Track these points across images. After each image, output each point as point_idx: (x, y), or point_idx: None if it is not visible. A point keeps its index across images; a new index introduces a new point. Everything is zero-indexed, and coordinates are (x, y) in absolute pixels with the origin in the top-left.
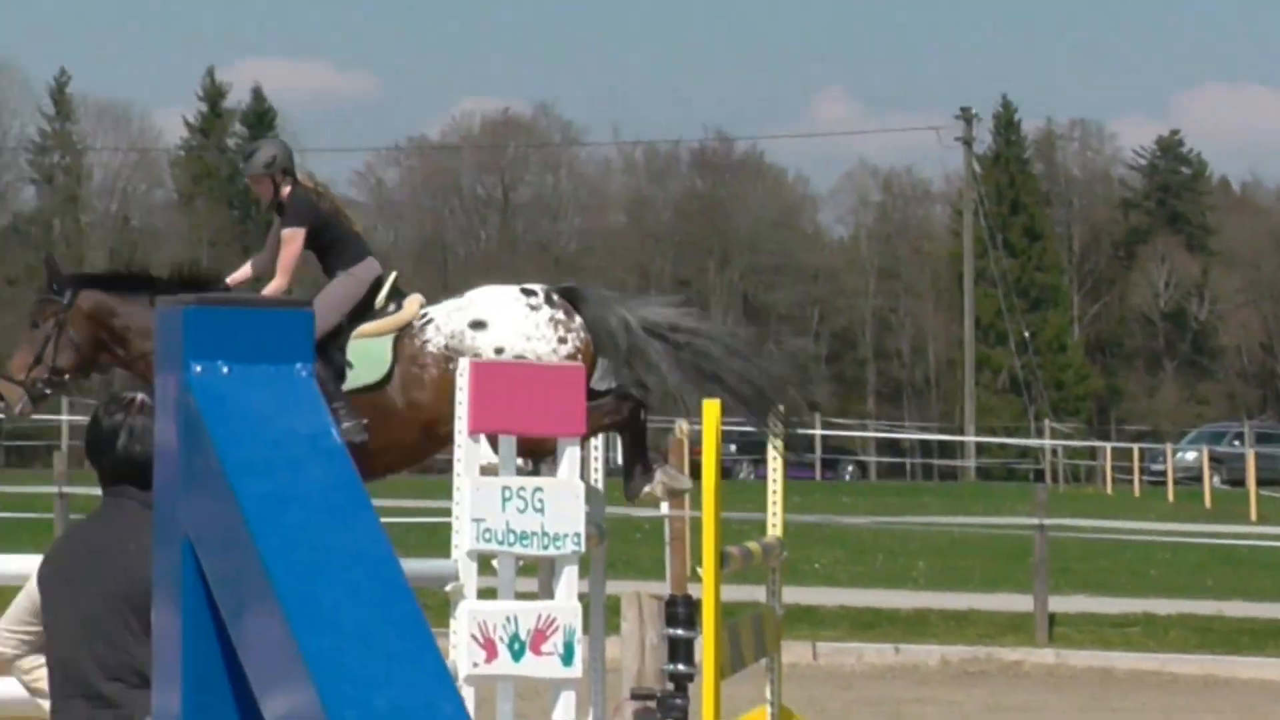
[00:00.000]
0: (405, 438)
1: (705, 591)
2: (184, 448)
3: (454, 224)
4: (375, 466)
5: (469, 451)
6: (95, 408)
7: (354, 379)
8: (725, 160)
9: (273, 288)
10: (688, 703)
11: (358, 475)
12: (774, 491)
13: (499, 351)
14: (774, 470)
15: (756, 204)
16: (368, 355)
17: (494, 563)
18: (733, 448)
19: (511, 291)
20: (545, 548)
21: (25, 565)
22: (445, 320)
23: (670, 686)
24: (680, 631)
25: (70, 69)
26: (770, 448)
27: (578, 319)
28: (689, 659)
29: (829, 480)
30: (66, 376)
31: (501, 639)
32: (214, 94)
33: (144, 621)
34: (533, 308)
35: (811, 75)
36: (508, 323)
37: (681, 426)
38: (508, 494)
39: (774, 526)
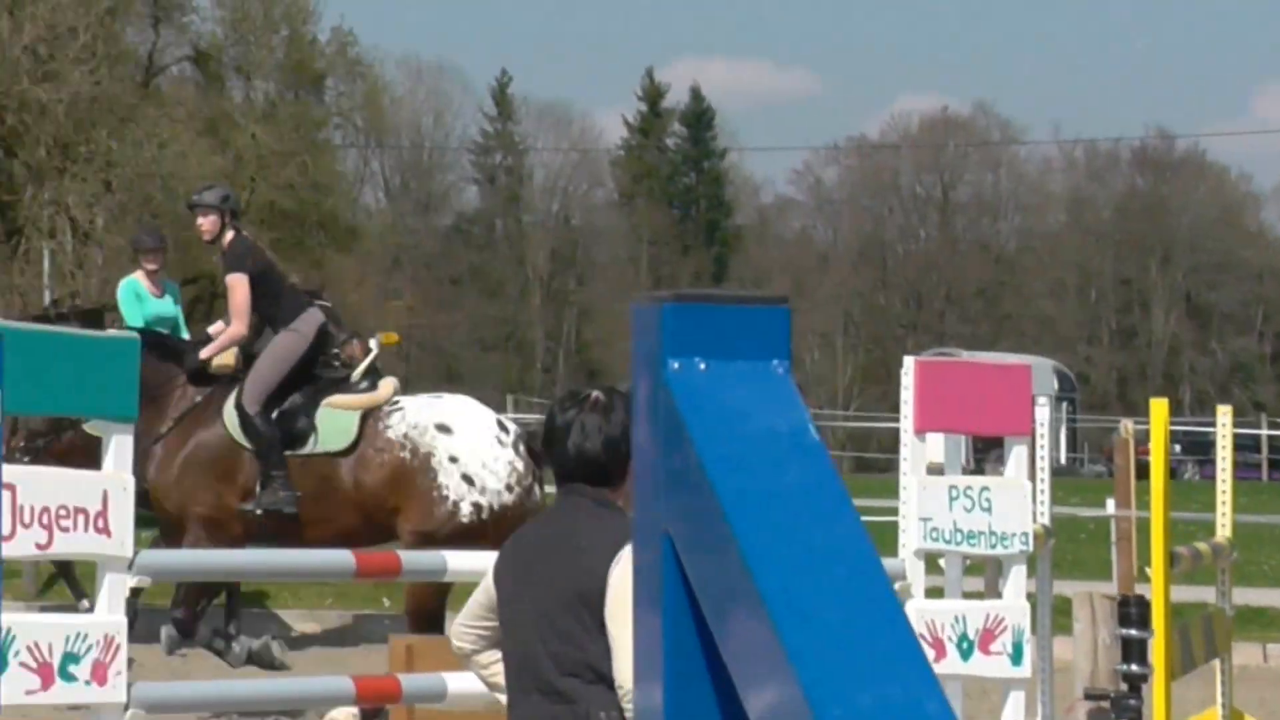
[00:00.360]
0: (344, 517)
1: (1155, 592)
2: (663, 445)
3: (893, 223)
4: (304, 537)
5: (915, 450)
6: (550, 404)
7: (319, 443)
8: (1166, 158)
9: (231, 334)
10: (1141, 703)
11: (837, 473)
12: (1223, 492)
13: (453, 460)
14: (1223, 471)
15: (1198, 202)
16: (335, 425)
17: (940, 562)
18: (1178, 448)
19: (489, 417)
20: (993, 547)
21: (482, 562)
22: (414, 412)
23: (1124, 687)
24: (1134, 632)
25: (511, 70)
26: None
27: (531, 476)
28: (1143, 659)
29: (1277, 481)
30: None
31: (950, 638)
32: (653, 94)
33: (597, 618)
34: (500, 443)
35: (1252, 71)
36: (472, 440)
37: (1127, 426)
38: (954, 493)
39: (1223, 527)
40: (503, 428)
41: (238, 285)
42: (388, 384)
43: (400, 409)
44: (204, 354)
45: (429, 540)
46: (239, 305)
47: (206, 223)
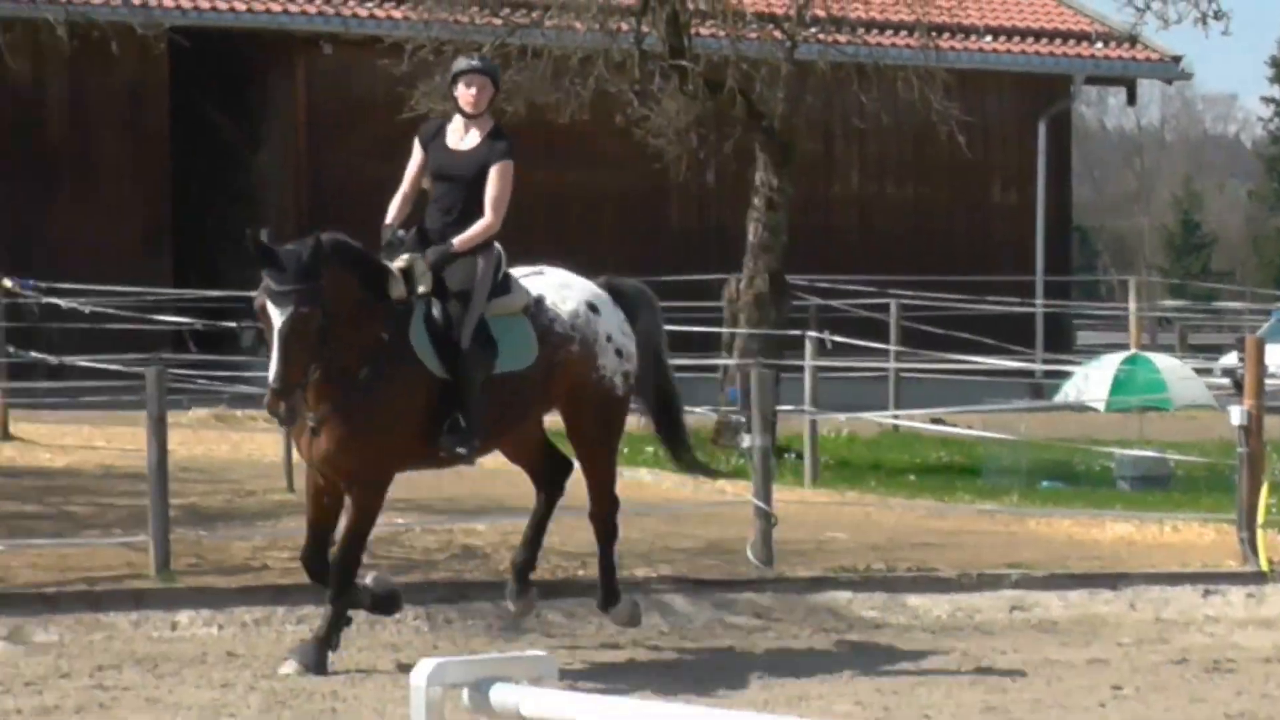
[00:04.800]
0: (522, 423)
1: None
2: None
3: None
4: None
5: None
6: None
7: (503, 362)
8: None
9: (488, 226)
10: None
11: None
12: None
13: (609, 339)
14: None
15: None
16: (512, 338)
17: None
18: None
19: (593, 282)
20: None
21: None
22: (560, 300)
23: None
24: None
25: None
26: None
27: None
28: None
29: None
30: None
31: None
32: None
33: None
34: (614, 305)
35: None
36: (611, 314)
37: None
38: None
39: None
40: (605, 288)
41: (508, 174)
42: (515, 274)
43: (543, 299)
44: (459, 244)
45: (584, 413)
46: (504, 196)
47: (478, 93)
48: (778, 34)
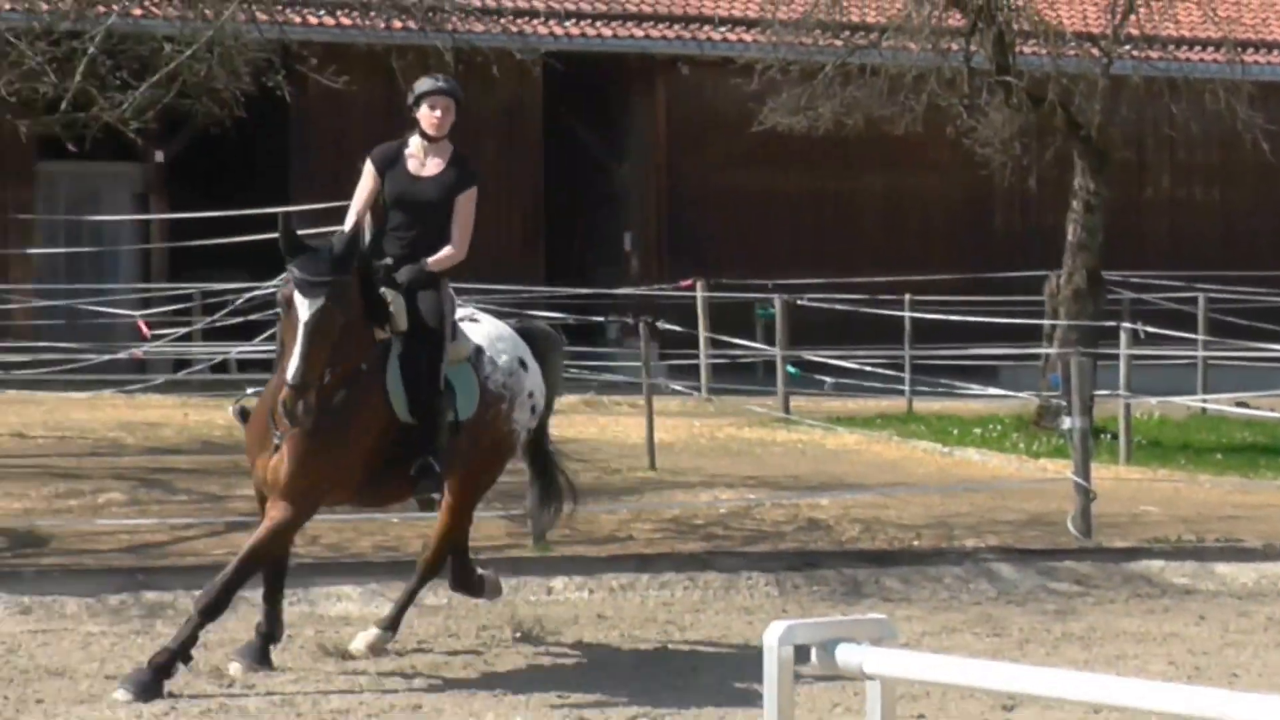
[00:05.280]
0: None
1: None
2: None
3: None
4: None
5: None
6: None
7: (461, 408)
8: None
9: (454, 257)
10: None
11: None
12: None
13: (529, 395)
14: None
15: None
16: (460, 383)
17: None
18: None
19: (512, 331)
20: None
21: None
22: (495, 353)
23: None
24: None
25: None
26: None
27: None
28: None
29: None
30: None
31: None
32: None
33: None
34: (532, 356)
35: None
36: (533, 368)
37: None
38: None
39: None
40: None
41: (473, 202)
42: (461, 323)
43: (482, 352)
44: (432, 264)
45: (484, 463)
46: (470, 226)
47: (443, 115)
48: (1095, 51)
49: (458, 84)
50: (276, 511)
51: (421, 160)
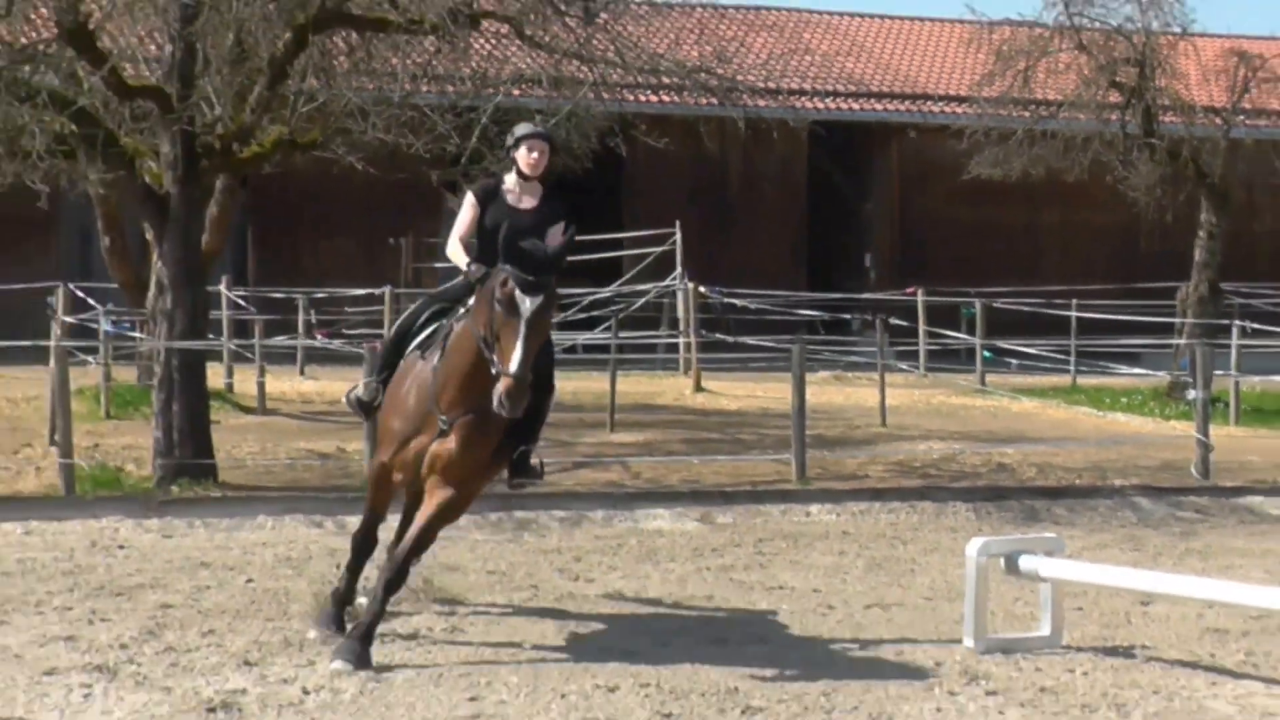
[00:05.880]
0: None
1: None
2: None
3: None
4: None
5: None
6: None
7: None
8: None
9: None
10: None
11: None
12: None
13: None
14: None
15: None
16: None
17: None
18: None
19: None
20: None
21: None
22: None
23: None
24: None
25: None
26: None
27: None
28: None
29: None
30: None
31: None
32: None
33: None
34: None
35: None
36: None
37: None
38: None
39: None
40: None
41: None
42: None
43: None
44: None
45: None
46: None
47: (540, 159)
48: (1218, 121)
49: (552, 130)
50: (447, 491)
51: (519, 195)
